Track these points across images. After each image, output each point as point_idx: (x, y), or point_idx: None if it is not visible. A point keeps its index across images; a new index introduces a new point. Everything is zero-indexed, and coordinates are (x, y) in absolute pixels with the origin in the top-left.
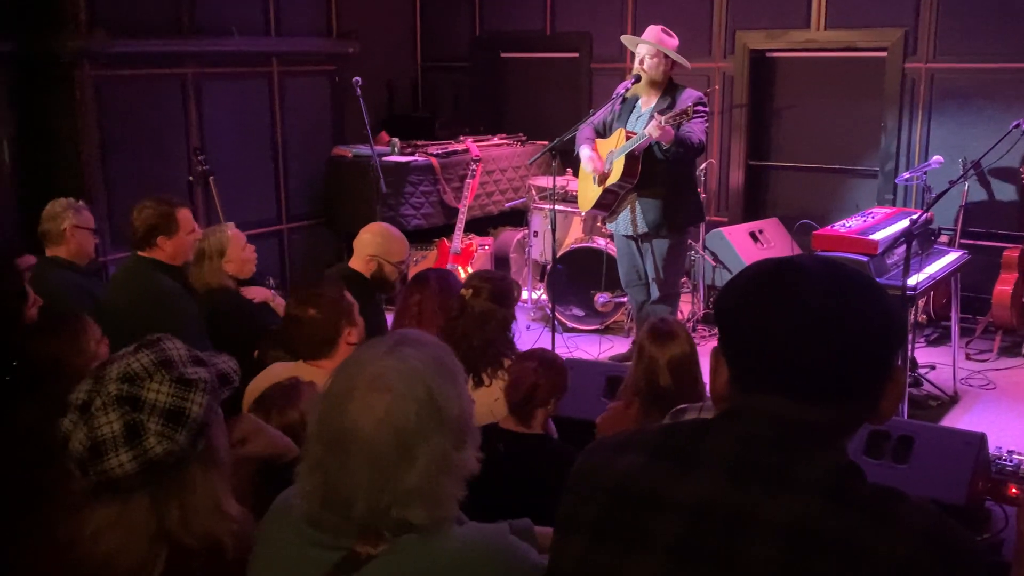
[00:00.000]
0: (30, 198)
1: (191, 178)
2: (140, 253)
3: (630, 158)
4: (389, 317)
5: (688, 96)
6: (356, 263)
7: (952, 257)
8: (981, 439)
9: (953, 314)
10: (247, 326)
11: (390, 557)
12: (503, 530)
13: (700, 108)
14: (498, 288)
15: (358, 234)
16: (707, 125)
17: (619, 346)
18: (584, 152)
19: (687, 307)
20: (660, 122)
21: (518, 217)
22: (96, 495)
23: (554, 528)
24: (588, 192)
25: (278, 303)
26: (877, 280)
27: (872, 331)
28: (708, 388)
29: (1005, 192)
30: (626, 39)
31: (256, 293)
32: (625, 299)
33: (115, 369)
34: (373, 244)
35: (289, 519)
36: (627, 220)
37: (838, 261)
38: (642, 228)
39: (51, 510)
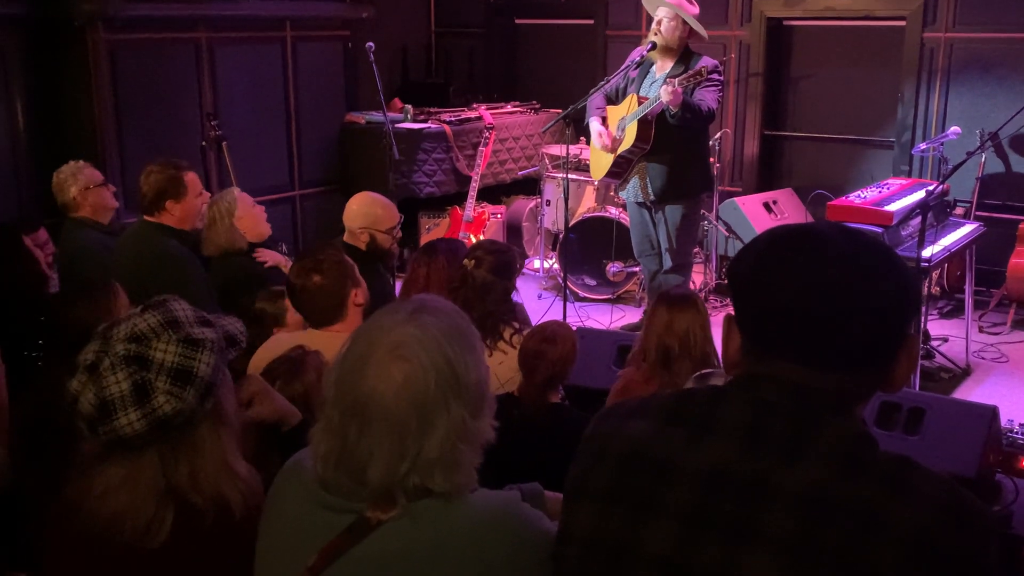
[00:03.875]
0: (45, 162)
1: (204, 143)
2: (148, 218)
3: (643, 123)
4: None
5: (704, 63)
6: (349, 237)
7: (967, 229)
8: (993, 412)
9: (967, 286)
10: (258, 289)
11: (402, 523)
12: (514, 498)
13: (715, 76)
14: (500, 261)
15: (346, 206)
16: (720, 94)
17: (631, 315)
18: (594, 126)
19: (699, 277)
20: (673, 84)
21: (531, 185)
22: (105, 455)
23: (564, 494)
24: (601, 160)
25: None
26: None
27: (888, 299)
28: (720, 356)
29: (1022, 164)
30: (646, 0)
31: (269, 257)
32: (637, 268)
33: (122, 329)
34: (360, 215)
35: (300, 482)
36: (636, 187)
37: (855, 228)
38: (651, 195)
39: (68, 472)
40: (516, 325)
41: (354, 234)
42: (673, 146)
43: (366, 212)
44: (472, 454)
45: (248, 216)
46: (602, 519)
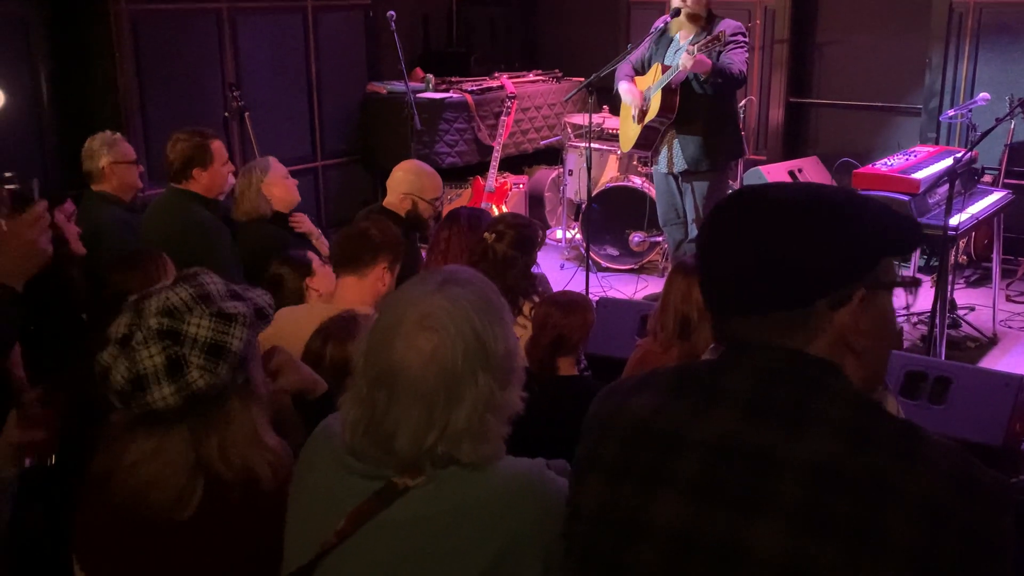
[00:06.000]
0: (69, 134)
1: (226, 114)
2: (176, 185)
3: (667, 92)
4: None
5: (726, 26)
6: (390, 202)
7: (995, 197)
8: (1020, 381)
9: (995, 255)
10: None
11: (429, 488)
12: (540, 465)
13: (739, 37)
14: (521, 235)
15: (391, 173)
16: (747, 56)
17: (653, 285)
18: (623, 87)
19: None
20: (693, 51)
21: (553, 155)
22: (135, 426)
23: (572, 472)
24: (629, 131)
25: (322, 243)
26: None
27: (812, 248)
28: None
29: None
30: None
31: (304, 221)
32: (660, 238)
33: (154, 303)
34: (406, 182)
35: (329, 448)
36: (666, 157)
37: (799, 185)
38: (680, 166)
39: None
40: (536, 299)
41: (396, 200)
42: (703, 115)
43: (413, 179)
44: (500, 425)
45: (279, 185)
46: (610, 494)
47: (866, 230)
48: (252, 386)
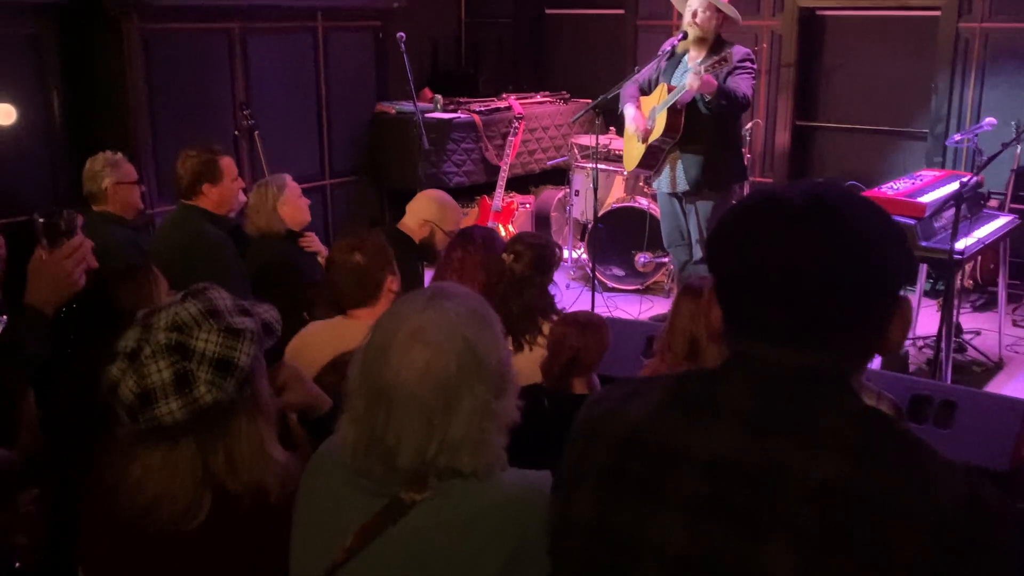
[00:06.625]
0: (79, 151)
1: (236, 132)
2: (186, 202)
3: (672, 112)
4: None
5: (736, 51)
6: (407, 225)
7: (1002, 222)
8: None
9: (1001, 280)
10: (291, 276)
11: (435, 502)
12: (546, 476)
13: (747, 63)
14: (540, 256)
15: (414, 198)
16: (754, 82)
17: (659, 306)
18: (628, 111)
19: None
20: (700, 71)
21: (560, 176)
22: (142, 440)
23: (561, 483)
24: (632, 150)
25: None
26: (880, 208)
27: (855, 269)
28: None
29: None
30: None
31: (314, 241)
32: (666, 259)
33: (163, 318)
34: (429, 210)
35: (333, 466)
36: (668, 177)
37: (828, 187)
38: (682, 186)
39: (105, 454)
40: (554, 319)
41: (415, 225)
42: (706, 136)
43: (436, 208)
44: (498, 434)
45: (291, 204)
46: (603, 507)
47: (904, 241)
48: (258, 400)
